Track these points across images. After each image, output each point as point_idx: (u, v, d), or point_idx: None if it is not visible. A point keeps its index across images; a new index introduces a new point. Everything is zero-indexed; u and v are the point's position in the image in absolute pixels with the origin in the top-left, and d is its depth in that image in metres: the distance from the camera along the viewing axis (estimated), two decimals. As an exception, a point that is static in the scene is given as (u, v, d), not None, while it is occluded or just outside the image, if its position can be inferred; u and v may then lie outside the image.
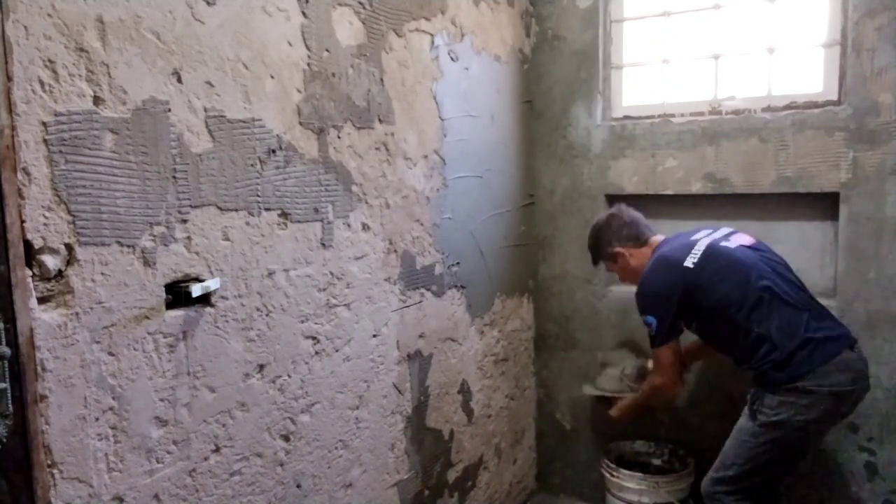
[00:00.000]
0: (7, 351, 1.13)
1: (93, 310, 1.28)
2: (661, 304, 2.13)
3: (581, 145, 2.87)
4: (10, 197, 1.13)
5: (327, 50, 1.81)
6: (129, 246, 1.34)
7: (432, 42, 2.25)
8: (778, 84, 2.55)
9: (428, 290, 2.30)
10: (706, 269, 2.07)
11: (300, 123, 1.74)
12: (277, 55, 1.66)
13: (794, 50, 2.52)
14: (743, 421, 2.07)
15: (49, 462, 1.23)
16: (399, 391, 2.18)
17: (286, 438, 1.76)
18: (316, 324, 1.83)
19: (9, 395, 1.14)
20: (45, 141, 1.19)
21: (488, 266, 2.67)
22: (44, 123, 1.19)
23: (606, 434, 2.90)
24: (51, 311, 1.22)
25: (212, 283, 1.49)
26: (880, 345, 2.35)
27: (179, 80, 1.42)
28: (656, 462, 2.75)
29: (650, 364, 2.47)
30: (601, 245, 2.39)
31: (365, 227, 1.99)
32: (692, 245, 2.14)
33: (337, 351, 1.91)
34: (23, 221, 1.16)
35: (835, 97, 2.42)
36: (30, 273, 1.18)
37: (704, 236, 2.18)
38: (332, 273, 1.88)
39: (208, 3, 1.48)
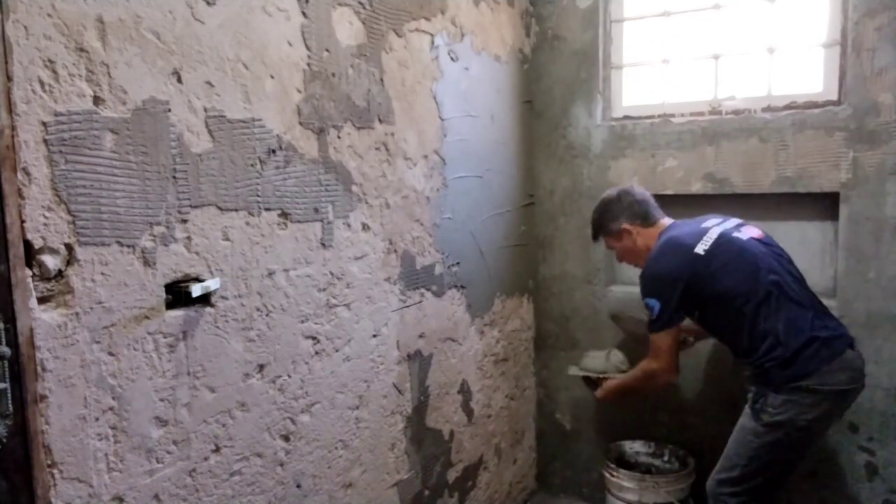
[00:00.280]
0: (7, 351, 1.13)
1: (93, 310, 1.28)
2: (667, 288, 2.08)
3: (581, 145, 2.87)
4: (10, 197, 1.13)
5: (327, 50, 1.81)
6: (129, 246, 1.34)
7: (432, 42, 2.25)
8: (778, 84, 2.55)
9: (428, 290, 2.30)
10: (717, 257, 2.04)
11: (300, 123, 1.74)
12: (277, 55, 1.66)
13: (794, 50, 2.52)
14: (745, 420, 2.05)
15: (49, 462, 1.22)
16: (399, 391, 2.18)
17: (286, 438, 1.76)
18: (316, 324, 1.83)
19: (9, 395, 1.14)
20: (45, 141, 1.19)
21: (488, 266, 2.67)
22: (44, 123, 1.19)
23: (606, 434, 2.90)
24: (51, 311, 1.22)
25: (212, 283, 1.49)
26: (880, 345, 2.35)
27: (179, 80, 1.42)
28: (656, 462, 2.75)
29: None
30: (608, 219, 2.32)
31: (365, 227, 1.99)
32: (704, 232, 2.11)
33: (337, 351, 1.91)
34: (23, 221, 1.16)
35: (835, 97, 2.42)
36: (30, 273, 1.18)
37: (715, 224, 2.15)
38: (332, 273, 1.88)
39: (208, 3, 1.48)
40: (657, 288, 2.11)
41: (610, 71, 2.85)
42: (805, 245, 2.53)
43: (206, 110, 1.48)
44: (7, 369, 1.13)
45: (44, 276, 1.21)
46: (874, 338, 2.35)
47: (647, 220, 2.27)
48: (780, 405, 1.95)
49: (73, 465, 1.26)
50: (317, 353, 1.84)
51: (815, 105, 2.44)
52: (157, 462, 1.43)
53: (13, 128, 1.14)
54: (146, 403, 1.40)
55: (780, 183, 2.48)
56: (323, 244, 1.84)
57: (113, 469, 1.34)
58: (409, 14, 2.13)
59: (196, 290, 1.43)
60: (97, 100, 1.27)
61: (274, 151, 1.66)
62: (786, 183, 2.47)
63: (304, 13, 1.73)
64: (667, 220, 2.29)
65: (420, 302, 2.26)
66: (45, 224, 1.20)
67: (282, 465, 1.75)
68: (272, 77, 1.65)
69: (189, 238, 1.46)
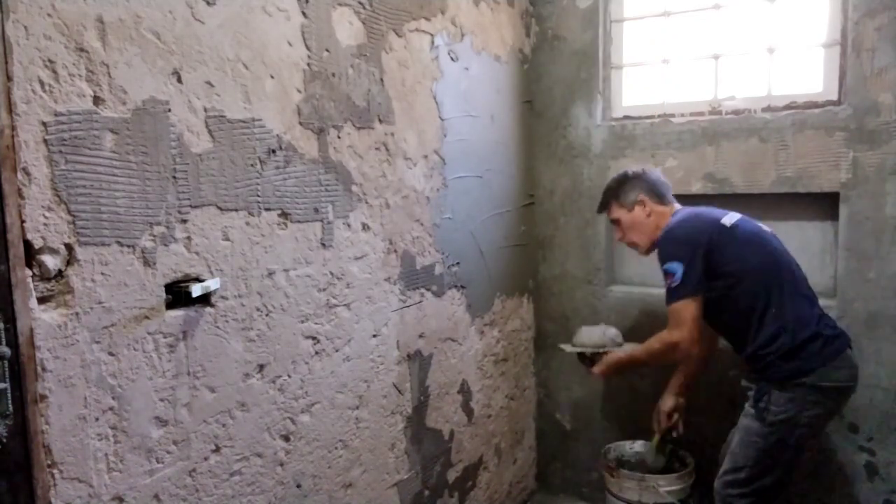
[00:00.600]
0: (7, 351, 1.13)
1: (93, 310, 1.28)
2: (690, 249, 2.01)
3: (581, 145, 2.87)
4: (10, 197, 1.13)
5: (327, 50, 1.81)
6: (129, 246, 1.34)
7: (432, 42, 2.25)
8: (778, 84, 2.55)
9: (428, 290, 2.30)
10: (741, 233, 2.04)
11: (300, 123, 1.74)
12: (277, 55, 1.66)
13: (793, 50, 2.52)
14: (749, 421, 2.05)
15: (49, 462, 1.22)
16: (399, 391, 2.18)
17: (286, 438, 1.76)
18: (316, 324, 1.83)
19: (9, 395, 1.14)
20: (45, 141, 1.19)
21: (488, 266, 2.67)
22: (44, 123, 1.19)
23: (606, 434, 2.90)
24: (51, 311, 1.22)
25: (212, 283, 1.49)
26: (880, 345, 2.35)
27: (179, 80, 1.42)
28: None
29: None
30: (626, 188, 2.26)
31: (365, 227, 1.99)
32: (726, 212, 2.12)
33: (337, 351, 1.91)
34: (23, 221, 1.16)
35: (835, 97, 2.42)
36: (30, 273, 1.18)
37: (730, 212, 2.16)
38: (332, 273, 1.88)
39: (208, 3, 1.48)
40: (679, 250, 2.03)
41: (610, 71, 2.85)
42: (805, 245, 2.53)
43: (206, 110, 1.48)
44: (7, 369, 1.13)
45: (44, 276, 1.21)
46: (874, 338, 2.35)
47: (663, 199, 2.26)
48: (784, 403, 1.96)
49: (73, 465, 1.26)
50: (317, 353, 1.84)
51: (815, 105, 2.44)
52: (157, 462, 1.43)
53: (13, 128, 1.14)
54: (146, 403, 1.40)
55: (780, 183, 2.48)
56: (323, 244, 1.84)
57: (113, 469, 1.34)
58: (409, 14, 2.13)
59: (196, 290, 1.43)
60: (97, 100, 1.27)
61: (274, 151, 1.66)
62: (786, 183, 2.47)
63: (304, 13, 1.73)
64: (678, 205, 2.28)
65: (420, 302, 2.26)
66: (45, 224, 1.20)
67: (282, 465, 1.75)
68: (272, 77, 1.65)
69: (189, 238, 1.46)
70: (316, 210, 1.80)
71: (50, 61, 1.19)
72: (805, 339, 1.95)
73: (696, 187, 2.64)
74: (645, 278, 2.89)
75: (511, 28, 2.77)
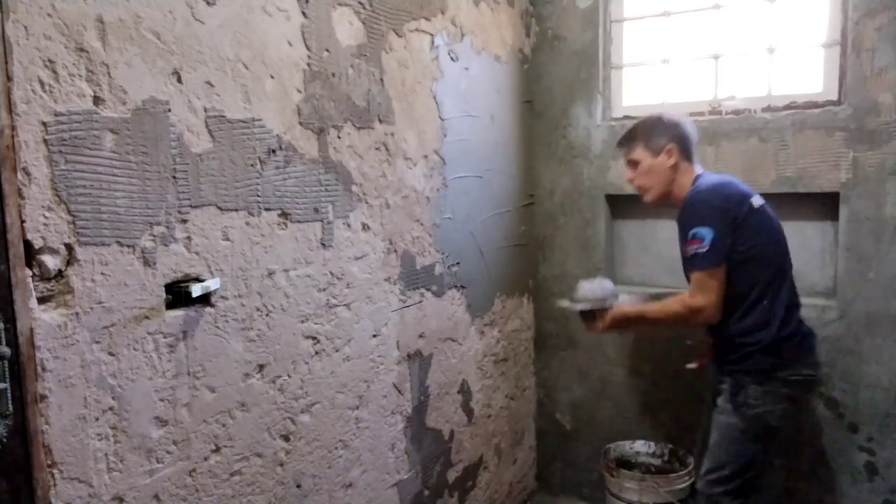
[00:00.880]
0: (7, 351, 1.13)
1: (93, 310, 1.28)
2: (723, 217, 1.95)
3: (581, 145, 2.87)
4: (10, 197, 1.13)
5: (327, 50, 1.81)
6: (129, 246, 1.34)
7: (432, 42, 2.25)
8: (778, 84, 2.55)
9: (428, 290, 2.30)
10: (764, 218, 2.03)
11: (300, 123, 1.74)
12: (277, 55, 1.66)
13: (793, 50, 2.52)
14: (726, 418, 2.06)
15: (49, 462, 1.22)
16: (399, 391, 2.18)
17: (286, 438, 1.76)
18: (316, 324, 1.83)
19: (9, 395, 1.14)
20: (45, 141, 1.19)
21: (488, 266, 2.68)
22: (44, 123, 1.19)
23: (607, 434, 2.90)
24: (51, 311, 1.22)
25: (212, 283, 1.49)
26: (880, 345, 2.35)
27: (179, 80, 1.42)
28: (656, 462, 2.75)
29: None
30: (657, 132, 2.13)
31: (365, 227, 1.99)
32: (751, 190, 2.06)
33: (337, 351, 1.91)
34: (23, 221, 1.16)
35: (835, 97, 2.42)
36: (30, 273, 1.18)
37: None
38: (332, 273, 1.88)
39: (208, 3, 1.48)
40: (713, 216, 1.96)
41: (610, 71, 2.85)
42: (805, 245, 2.53)
43: (206, 110, 1.48)
44: (7, 369, 1.13)
45: (44, 276, 1.21)
46: (874, 338, 2.36)
47: (689, 155, 2.14)
48: (760, 396, 2.00)
49: (73, 465, 1.26)
50: (317, 353, 1.84)
51: (815, 105, 2.44)
52: (157, 462, 1.43)
53: (13, 128, 1.14)
54: (146, 403, 1.40)
55: (780, 183, 2.48)
56: (323, 244, 1.84)
57: (113, 469, 1.34)
58: (409, 14, 2.13)
59: (196, 290, 1.43)
60: (97, 100, 1.27)
61: (274, 151, 1.66)
62: (786, 183, 2.47)
63: (304, 13, 1.73)
64: (701, 169, 2.17)
65: (420, 302, 2.26)
66: (45, 224, 1.20)
67: (282, 465, 1.75)
68: (272, 77, 1.65)
69: (189, 238, 1.46)
70: (316, 210, 1.80)
71: (50, 61, 1.19)
72: (784, 337, 2.00)
73: (696, 187, 2.63)
74: (645, 278, 2.90)
75: (511, 28, 2.77)
